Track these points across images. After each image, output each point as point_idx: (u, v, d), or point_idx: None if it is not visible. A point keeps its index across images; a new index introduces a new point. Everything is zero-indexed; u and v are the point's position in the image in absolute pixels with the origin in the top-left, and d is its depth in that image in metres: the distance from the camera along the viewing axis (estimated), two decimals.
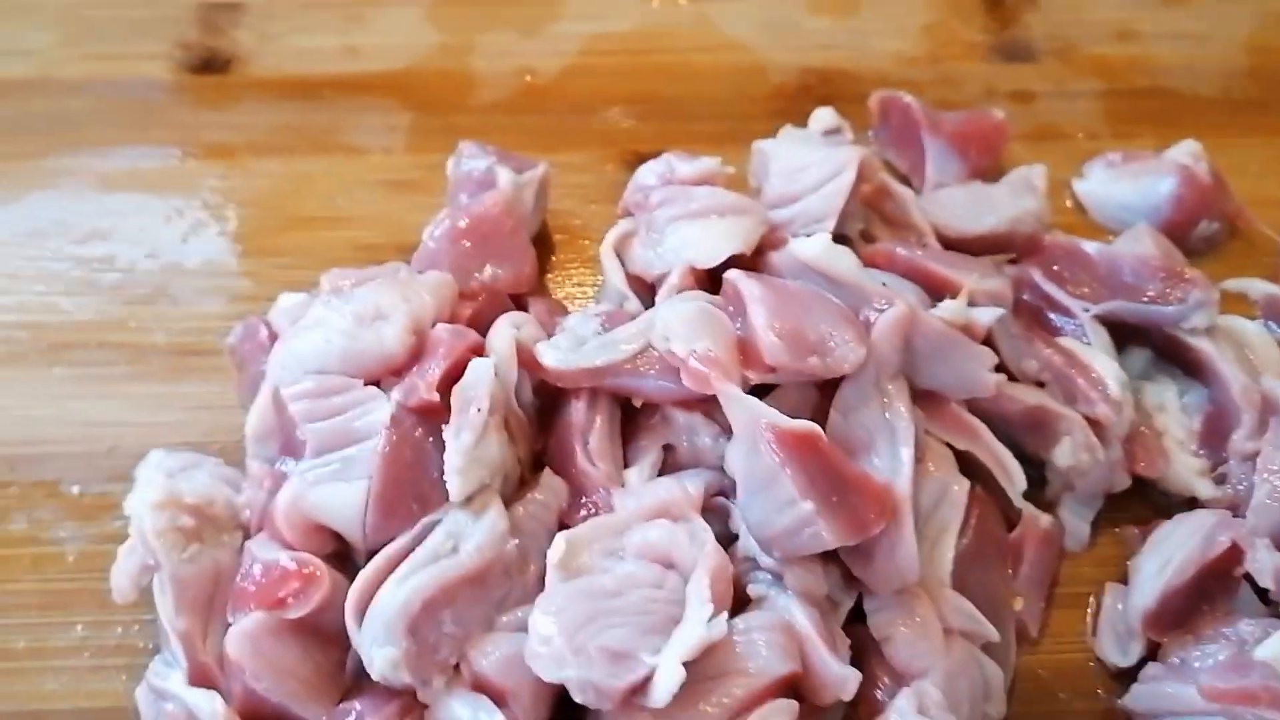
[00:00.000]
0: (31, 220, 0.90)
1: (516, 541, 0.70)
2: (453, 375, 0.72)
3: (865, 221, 0.88)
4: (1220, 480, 0.80)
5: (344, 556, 0.72)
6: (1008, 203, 0.89)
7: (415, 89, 0.99)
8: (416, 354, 0.74)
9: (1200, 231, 0.93)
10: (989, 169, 0.95)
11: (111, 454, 0.80)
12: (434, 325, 0.75)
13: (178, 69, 0.98)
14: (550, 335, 0.80)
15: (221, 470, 0.76)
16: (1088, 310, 0.83)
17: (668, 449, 0.77)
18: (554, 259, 0.92)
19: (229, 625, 0.68)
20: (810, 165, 0.85)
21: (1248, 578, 0.74)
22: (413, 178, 0.94)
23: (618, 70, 1.01)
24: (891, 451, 0.73)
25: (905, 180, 0.96)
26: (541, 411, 0.78)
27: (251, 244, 0.90)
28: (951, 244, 0.88)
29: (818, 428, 0.69)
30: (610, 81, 1.00)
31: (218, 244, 0.90)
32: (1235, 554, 0.74)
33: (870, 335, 0.74)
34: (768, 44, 1.03)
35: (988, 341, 0.79)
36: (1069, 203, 0.97)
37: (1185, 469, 0.81)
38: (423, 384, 0.71)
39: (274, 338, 0.80)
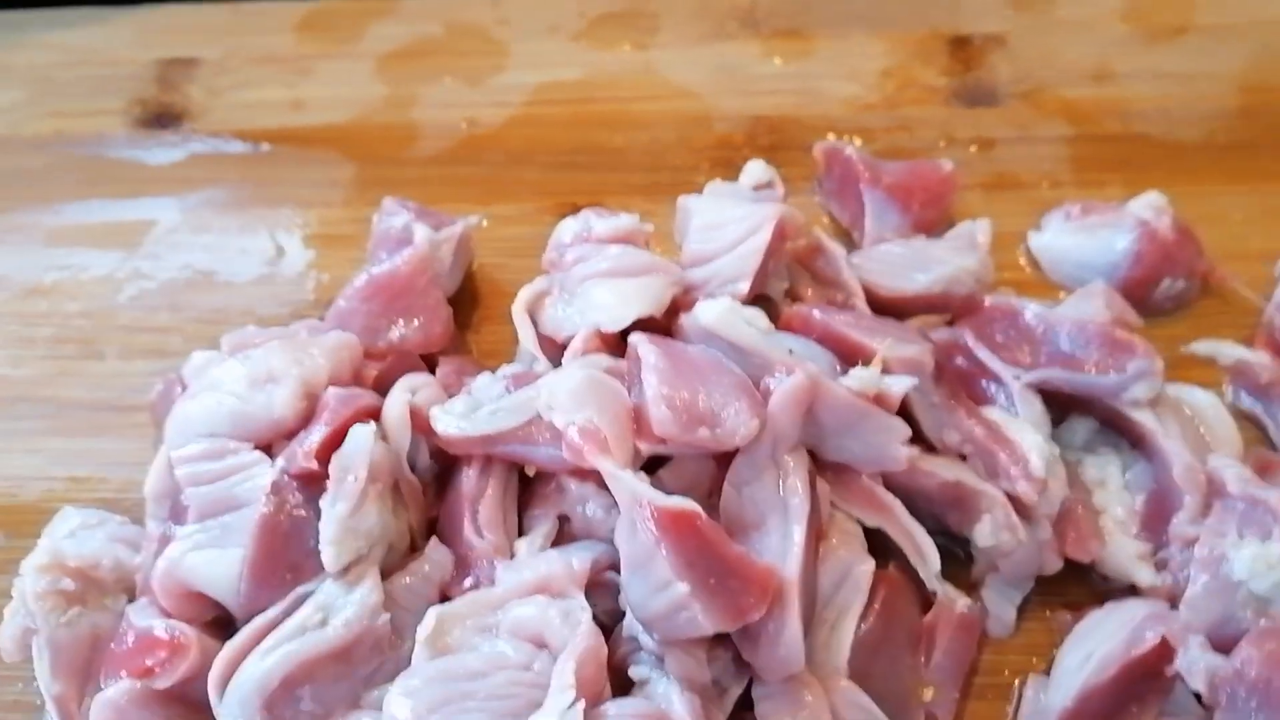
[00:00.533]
0: None
1: (388, 616, 0.68)
2: (336, 441, 0.71)
3: (792, 280, 0.85)
4: (1161, 566, 0.74)
5: (229, 624, 0.72)
6: (946, 260, 0.84)
7: (359, 141, 0.99)
8: (308, 418, 0.74)
9: (1165, 290, 0.87)
10: (937, 222, 0.91)
11: (33, 508, 0.81)
12: (327, 388, 0.75)
13: (132, 125, 1.01)
14: (455, 395, 0.79)
15: (125, 530, 0.77)
16: (1018, 378, 0.78)
17: (563, 519, 0.75)
18: (479, 315, 0.90)
19: None
20: (728, 223, 0.82)
21: None
22: (347, 232, 0.94)
23: (560, 120, 1.00)
24: (783, 530, 0.69)
25: (847, 234, 0.93)
26: (440, 477, 0.77)
27: (183, 299, 0.91)
28: (884, 304, 0.84)
29: (696, 507, 0.66)
30: (552, 132, 0.99)
31: (150, 299, 0.91)
32: (1166, 651, 0.68)
33: (767, 406, 0.71)
34: (717, 91, 1.01)
35: (905, 411, 0.75)
36: (1023, 259, 0.91)
37: (1123, 553, 0.75)
38: (301, 451, 0.70)
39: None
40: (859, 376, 0.73)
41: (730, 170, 0.95)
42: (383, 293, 0.82)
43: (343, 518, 0.68)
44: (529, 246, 0.92)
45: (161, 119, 1.01)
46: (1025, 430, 0.75)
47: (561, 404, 0.70)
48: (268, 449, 0.73)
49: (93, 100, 1.03)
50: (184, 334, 0.89)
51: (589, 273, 0.80)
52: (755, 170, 0.89)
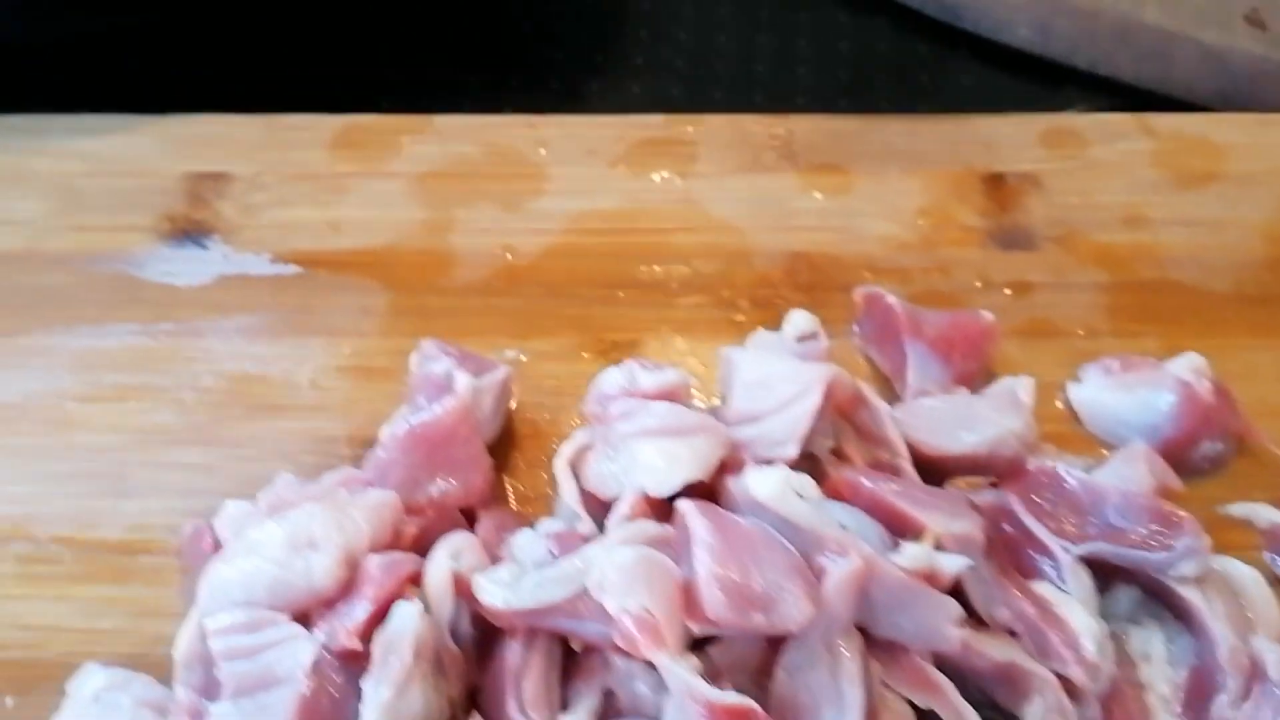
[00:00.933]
0: None
1: None
2: (379, 616, 0.70)
3: (836, 437, 0.84)
4: None
5: None
6: (990, 419, 0.84)
7: (393, 267, 0.98)
8: (348, 585, 0.72)
9: (1203, 451, 0.87)
10: (977, 373, 0.91)
11: (55, 664, 0.78)
12: (369, 552, 0.73)
13: (159, 242, 0.99)
14: (497, 554, 0.78)
15: (151, 692, 0.74)
16: (1068, 551, 0.78)
17: (607, 693, 0.74)
18: (517, 457, 0.89)
19: None
20: (775, 381, 0.81)
21: None
22: (381, 365, 0.92)
23: (598, 251, 0.99)
24: None
25: (886, 380, 0.92)
26: (481, 642, 0.75)
27: (211, 433, 0.89)
28: (929, 462, 0.84)
29: (753, 705, 0.65)
30: (590, 263, 0.98)
31: (176, 432, 0.88)
32: None
33: (822, 589, 0.70)
34: (755, 225, 1.00)
35: (955, 585, 0.74)
36: (1061, 407, 0.91)
37: None
38: (343, 631, 0.68)
39: (217, 546, 0.79)
40: (912, 555, 0.72)
41: (769, 310, 0.94)
42: (423, 444, 0.80)
43: (387, 703, 0.67)
44: (567, 385, 0.91)
45: (192, 236, 0.99)
46: (1076, 610, 0.75)
47: (612, 585, 0.68)
48: (304, 616, 0.72)
49: (119, 214, 1.00)
50: (214, 471, 0.87)
51: (634, 430, 0.79)
52: (799, 322, 0.88)
